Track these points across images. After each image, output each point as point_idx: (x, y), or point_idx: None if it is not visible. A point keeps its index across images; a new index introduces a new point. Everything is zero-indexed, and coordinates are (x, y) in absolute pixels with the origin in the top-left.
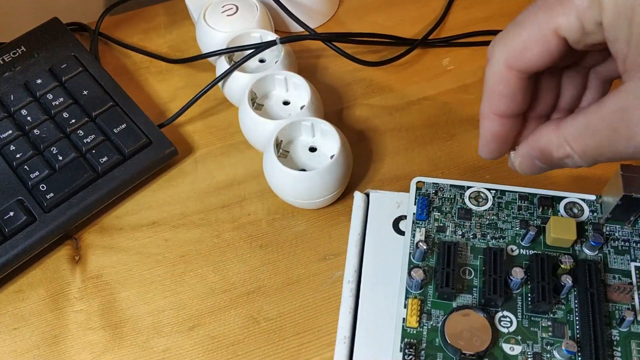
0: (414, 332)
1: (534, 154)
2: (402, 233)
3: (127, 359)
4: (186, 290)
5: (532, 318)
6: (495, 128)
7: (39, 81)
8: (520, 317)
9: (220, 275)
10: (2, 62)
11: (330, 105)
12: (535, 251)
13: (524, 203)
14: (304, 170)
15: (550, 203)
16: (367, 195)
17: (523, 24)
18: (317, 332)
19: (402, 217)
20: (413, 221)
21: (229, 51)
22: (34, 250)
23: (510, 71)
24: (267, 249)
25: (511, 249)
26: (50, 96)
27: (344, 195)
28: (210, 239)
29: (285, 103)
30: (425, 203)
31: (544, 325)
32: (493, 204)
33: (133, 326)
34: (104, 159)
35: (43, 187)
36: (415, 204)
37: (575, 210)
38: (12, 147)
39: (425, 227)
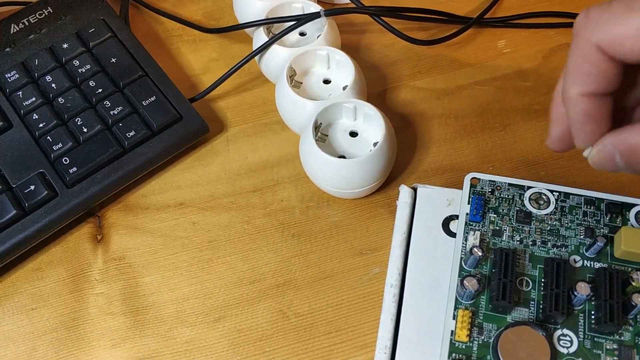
0: (463, 347)
1: (620, 147)
2: (452, 235)
3: (148, 349)
4: (213, 278)
5: (596, 339)
6: (588, 107)
7: (65, 46)
8: (582, 337)
9: (249, 264)
10: (27, 24)
11: (373, 86)
12: (601, 264)
13: (590, 208)
14: (343, 156)
15: (620, 210)
16: (415, 189)
17: (636, 10)
18: (351, 333)
19: (453, 217)
20: (466, 222)
21: (268, 22)
22: (54, 227)
23: (599, 51)
24: (300, 238)
25: (574, 259)
26: (76, 62)
27: (385, 185)
28: (240, 224)
29: (326, 82)
30: (481, 203)
31: (608, 347)
32: (555, 208)
33: (155, 314)
34: (131, 134)
35: (66, 160)
36: (469, 204)
37: None
38: (35, 116)
39: (479, 229)
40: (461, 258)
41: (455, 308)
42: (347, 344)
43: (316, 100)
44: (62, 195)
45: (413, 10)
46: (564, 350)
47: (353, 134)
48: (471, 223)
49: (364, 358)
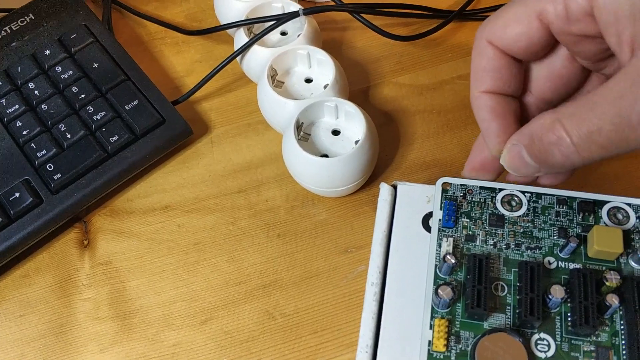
0: (441, 356)
1: (523, 140)
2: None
3: (135, 353)
4: (199, 280)
5: (573, 341)
6: (490, 103)
7: (47, 52)
8: (559, 340)
9: (235, 265)
10: (9, 31)
11: (356, 83)
12: (575, 264)
13: (563, 208)
14: (326, 155)
15: (592, 208)
16: (395, 187)
17: (512, 4)
18: (337, 332)
19: (432, 213)
20: (439, 229)
21: (248, 22)
22: (40, 233)
23: (490, 46)
24: (285, 238)
25: (548, 261)
26: (59, 69)
27: (369, 182)
28: (225, 226)
29: (308, 81)
30: (453, 208)
31: (586, 349)
32: (528, 209)
33: (142, 318)
34: (115, 138)
35: (50, 166)
36: (441, 209)
37: (620, 217)
38: (19, 123)
39: (452, 235)
40: (436, 265)
41: (432, 317)
42: (333, 342)
43: (298, 99)
44: (48, 202)
45: (393, 6)
46: (542, 355)
47: (335, 132)
48: (444, 229)
49: (349, 356)
